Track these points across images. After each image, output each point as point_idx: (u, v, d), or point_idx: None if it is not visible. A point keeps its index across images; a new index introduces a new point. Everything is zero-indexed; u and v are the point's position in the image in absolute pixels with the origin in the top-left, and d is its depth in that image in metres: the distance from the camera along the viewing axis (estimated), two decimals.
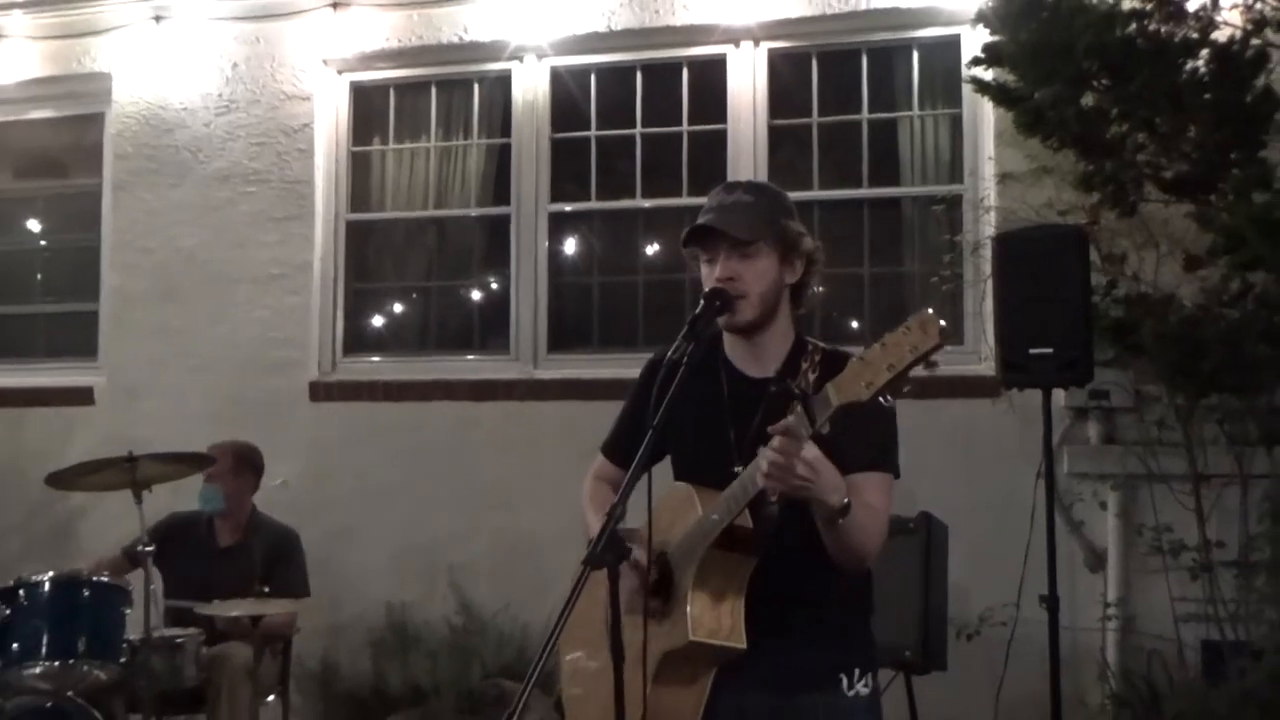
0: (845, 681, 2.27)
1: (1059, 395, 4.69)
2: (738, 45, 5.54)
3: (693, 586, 2.15)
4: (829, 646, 2.28)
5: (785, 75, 5.55)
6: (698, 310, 2.26)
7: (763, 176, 5.48)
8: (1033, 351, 4.05)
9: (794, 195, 5.32)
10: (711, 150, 5.58)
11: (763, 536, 2.17)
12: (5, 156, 6.63)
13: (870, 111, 5.48)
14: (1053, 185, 4.80)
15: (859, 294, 5.51)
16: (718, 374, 2.35)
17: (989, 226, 4.96)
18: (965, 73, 4.92)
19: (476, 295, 6.03)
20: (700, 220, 2.31)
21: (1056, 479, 4.90)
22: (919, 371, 1.88)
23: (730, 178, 5.48)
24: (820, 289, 2.45)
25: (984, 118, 5.18)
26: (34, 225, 6.65)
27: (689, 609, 2.14)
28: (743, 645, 2.16)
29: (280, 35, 5.96)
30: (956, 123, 5.36)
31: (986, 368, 4.80)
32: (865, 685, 2.30)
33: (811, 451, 2.00)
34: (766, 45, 5.55)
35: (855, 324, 5.55)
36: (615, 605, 2.04)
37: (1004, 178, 4.99)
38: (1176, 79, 4.11)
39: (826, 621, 2.28)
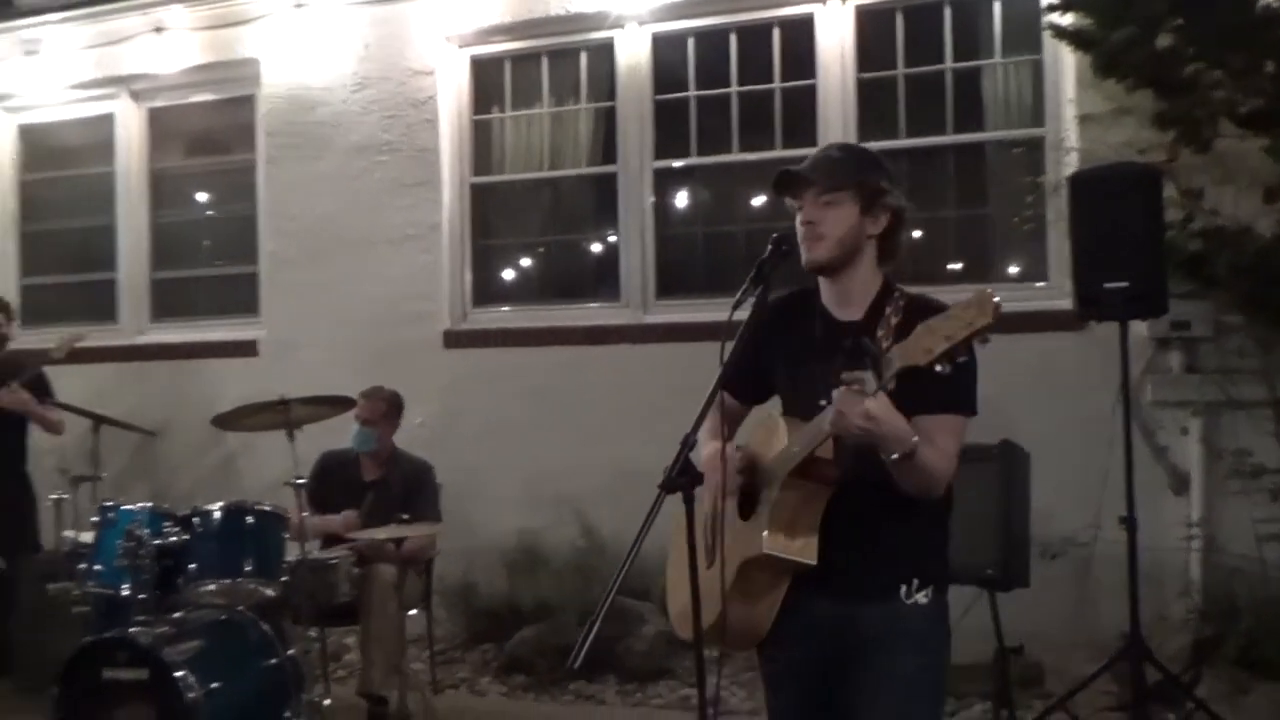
0: (904, 590, 2.28)
1: (1141, 326, 4.59)
2: (825, 3, 5.47)
3: (771, 506, 2.23)
4: (893, 562, 2.30)
5: (872, 30, 5.45)
6: (765, 254, 2.29)
7: (852, 128, 5.44)
8: (1107, 286, 3.95)
9: (881, 145, 5.31)
10: (803, 105, 5.54)
11: (839, 469, 2.21)
12: (173, 137, 6.94)
13: (954, 61, 5.36)
14: (1133, 124, 4.64)
15: (946, 237, 5.43)
16: (814, 317, 2.37)
17: (1071, 167, 4.82)
18: (1043, 19, 4.77)
19: (589, 248, 6.13)
20: (788, 169, 2.34)
21: (1140, 407, 4.82)
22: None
23: (821, 130, 5.48)
24: (909, 238, 2.41)
25: (1064, 62, 5.02)
26: (199, 197, 6.96)
27: (765, 525, 2.22)
28: (812, 561, 2.22)
29: (406, 16, 6.09)
30: (1038, 68, 5.21)
31: (1070, 303, 4.69)
32: (925, 596, 2.28)
33: (874, 405, 2.03)
34: (854, 2, 5.46)
35: (945, 267, 5.46)
36: (690, 524, 2.12)
37: (1084, 119, 4.86)
38: (1249, 16, 3.93)
39: (896, 542, 2.29)
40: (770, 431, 2.33)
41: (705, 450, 2.40)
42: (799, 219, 2.32)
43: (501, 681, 5.23)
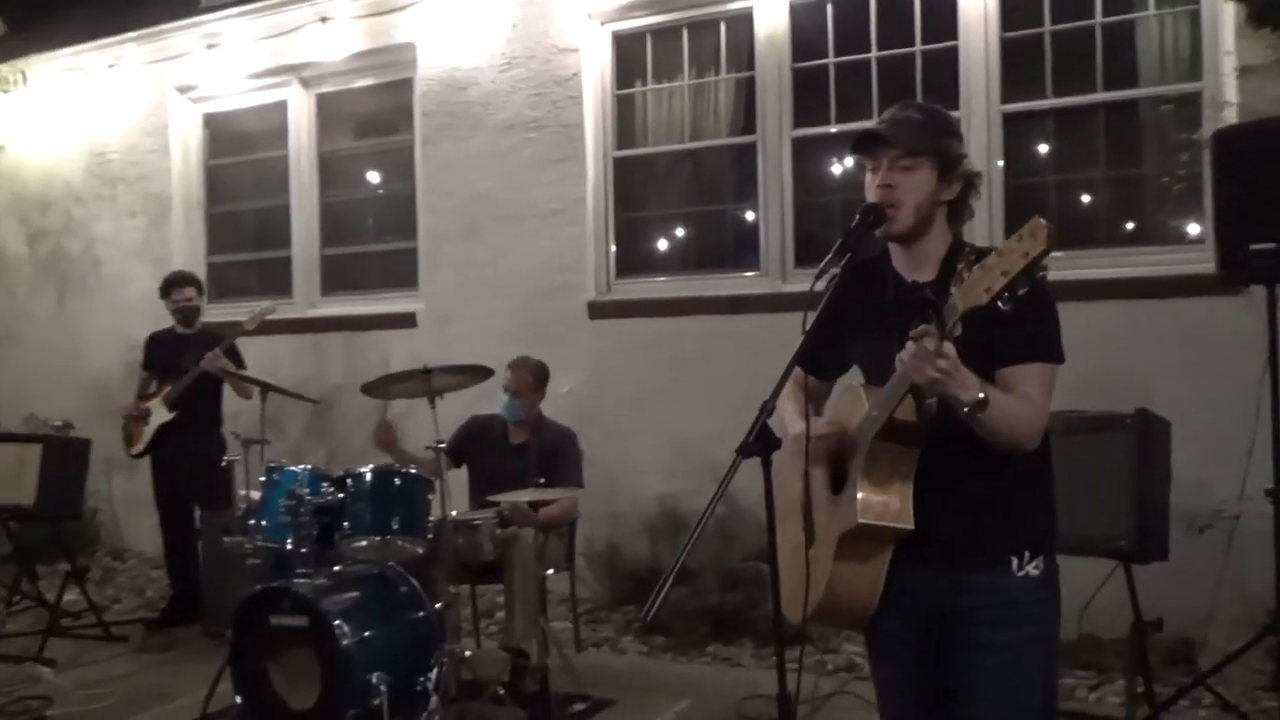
0: (1015, 562, 2.24)
1: None
2: None
3: (861, 475, 2.22)
4: (997, 527, 2.26)
5: None
6: (852, 224, 2.30)
7: (995, 89, 5.31)
8: (1253, 247, 3.77)
9: (1026, 105, 5.15)
10: (944, 68, 5.42)
11: (923, 427, 2.21)
12: (339, 121, 7.34)
13: (1104, 16, 5.14)
14: None
15: (1096, 200, 5.25)
16: (885, 281, 2.37)
17: (1229, 123, 4.58)
18: None
19: (729, 218, 6.18)
20: (871, 128, 2.33)
21: None
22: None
23: (963, 93, 5.35)
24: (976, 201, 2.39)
25: (1223, 12, 4.76)
26: (364, 177, 7.34)
27: (857, 495, 2.22)
28: (910, 526, 2.21)
29: None
30: (1195, 19, 4.95)
31: None
32: (1036, 567, 2.25)
33: (949, 353, 2.02)
34: None
35: (1095, 230, 5.28)
36: (769, 491, 2.18)
37: (1244, 71, 4.60)
38: None
39: (995, 503, 2.25)
40: (852, 402, 2.34)
41: (790, 430, 2.40)
42: (874, 180, 2.31)
43: (642, 641, 5.41)
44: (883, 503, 2.22)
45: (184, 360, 5.82)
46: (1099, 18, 5.15)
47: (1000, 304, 1.94)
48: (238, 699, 4.11)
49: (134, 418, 5.95)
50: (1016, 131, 5.34)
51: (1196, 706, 4.17)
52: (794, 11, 5.78)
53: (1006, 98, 5.29)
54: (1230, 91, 4.66)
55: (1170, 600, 4.21)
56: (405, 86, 6.87)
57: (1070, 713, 4.14)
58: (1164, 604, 4.09)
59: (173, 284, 6.11)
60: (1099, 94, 5.17)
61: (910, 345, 2.06)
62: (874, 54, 5.62)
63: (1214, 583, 4.24)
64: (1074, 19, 5.20)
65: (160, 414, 5.86)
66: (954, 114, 5.15)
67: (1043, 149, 5.41)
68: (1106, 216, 5.26)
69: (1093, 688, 4.50)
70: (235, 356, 5.89)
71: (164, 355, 6.02)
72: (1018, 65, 5.29)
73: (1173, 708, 4.03)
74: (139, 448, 5.95)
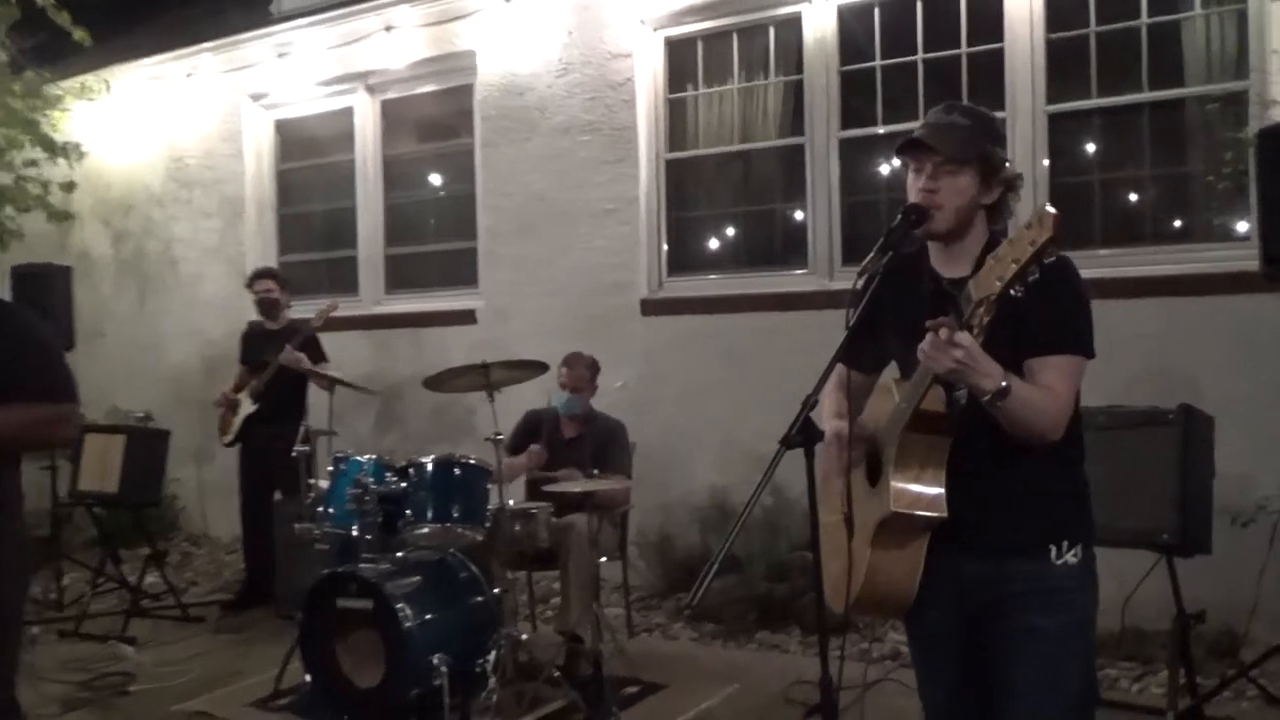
0: (1054, 551, 2.25)
1: None
2: None
3: (894, 465, 2.25)
4: (1034, 516, 2.27)
5: None
6: (894, 223, 2.33)
7: (1041, 90, 5.28)
8: None
9: (1072, 105, 5.12)
10: (990, 69, 5.39)
11: (951, 417, 2.23)
12: (403, 126, 7.47)
13: (1150, 16, 5.09)
14: None
15: (1143, 198, 5.20)
16: (922, 278, 2.40)
17: (1276, 121, 4.52)
18: None
19: (778, 217, 6.20)
20: (916, 134, 2.36)
21: None
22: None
23: (1009, 93, 5.34)
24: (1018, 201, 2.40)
25: (1270, 11, 4.70)
26: (427, 179, 7.46)
27: (891, 485, 2.25)
28: (944, 514, 2.23)
29: (604, 2, 6.32)
30: (1242, 18, 4.89)
31: None
32: (1075, 555, 2.25)
33: (960, 340, 2.05)
34: None
35: (1143, 229, 5.23)
36: (811, 481, 2.22)
37: None
38: None
39: (1031, 492, 2.27)
40: (885, 396, 2.37)
41: (828, 428, 2.42)
42: (917, 181, 2.33)
43: (692, 628, 5.46)
44: (915, 492, 2.24)
45: (268, 354, 5.99)
46: (1144, 18, 5.10)
47: (1013, 291, 1.97)
48: (307, 677, 4.23)
49: (225, 408, 6.14)
50: (1062, 131, 5.31)
51: (1240, 698, 4.14)
52: (842, 15, 5.79)
53: (1052, 98, 5.26)
54: (1277, 90, 4.59)
55: (1213, 593, 4.18)
56: (466, 92, 6.97)
57: (1113, 703, 4.13)
58: (1207, 597, 4.06)
59: (256, 276, 6.33)
60: (1144, 93, 5.12)
61: (929, 336, 2.10)
62: (920, 56, 5.62)
63: (1257, 576, 4.19)
64: (1119, 19, 5.15)
65: (246, 405, 6.05)
66: (999, 114, 5.30)
67: (1088, 148, 5.37)
68: (1152, 214, 5.21)
69: (1136, 679, 4.47)
70: (313, 349, 6.02)
71: (253, 349, 6.23)
72: (1063, 66, 5.26)
73: (1216, 699, 4.00)
74: (229, 438, 6.15)
